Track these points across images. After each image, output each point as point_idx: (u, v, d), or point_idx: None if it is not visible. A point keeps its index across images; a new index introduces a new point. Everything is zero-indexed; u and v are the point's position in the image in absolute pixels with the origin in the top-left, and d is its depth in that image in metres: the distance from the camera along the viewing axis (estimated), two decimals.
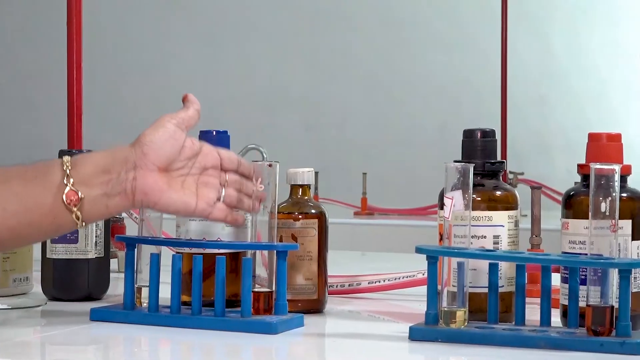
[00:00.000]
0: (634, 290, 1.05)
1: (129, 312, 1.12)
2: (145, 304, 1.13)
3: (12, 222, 1.03)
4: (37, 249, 1.34)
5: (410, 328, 1.03)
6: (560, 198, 1.11)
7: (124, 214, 1.48)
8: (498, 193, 1.14)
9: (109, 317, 1.12)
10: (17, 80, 4.68)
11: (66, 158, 1.05)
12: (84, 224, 1.04)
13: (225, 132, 1.26)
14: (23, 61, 4.70)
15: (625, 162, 1.07)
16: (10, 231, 1.04)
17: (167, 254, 1.15)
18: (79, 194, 1.03)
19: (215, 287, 1.09)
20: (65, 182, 1.03)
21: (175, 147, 1.08)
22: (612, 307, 0.98)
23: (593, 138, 1.10)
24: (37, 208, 1.03)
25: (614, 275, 0.98)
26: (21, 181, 1.04)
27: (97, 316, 1.13)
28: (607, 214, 0.98)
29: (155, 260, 1.13)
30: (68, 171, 1.04)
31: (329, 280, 1.25)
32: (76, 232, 1.27)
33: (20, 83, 4.68)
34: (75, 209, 1.03)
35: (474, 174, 1.05)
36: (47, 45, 4.36)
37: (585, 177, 1.06)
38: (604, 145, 1.09)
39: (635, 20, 3.96)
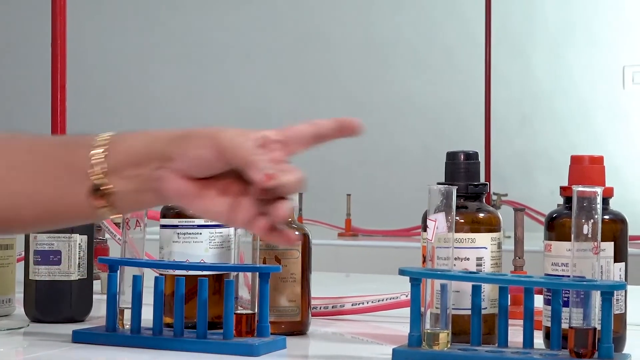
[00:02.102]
0: (616, 312, 1.05)
1: (111, 334, 1.12)
2: (127, 326, 1.13)
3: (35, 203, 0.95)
4: (19, 271, 1.34)
5: (394, 350, 1.03)
6: (543, 220, 1.12)
7: (107, 235, 1.48)
8: (481, 215, 1.14)
9: (91, 339, 1.12)
10: (0, 101, 4.67)
11: (102, 137, 0.95)
12: (115, 213, 0.95)
13: None
14: (6, 79, 4.69)
15: (608, 185, 1.07)
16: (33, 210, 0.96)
17: (149, 276, 1.15)
18: (109, 186, 0.94)
19: (198, 309, 1.09)
20: (94, 170, 0.93)
21: (211, 172, 0.94)
22: (595, 329, 0.98)
23: (575, 160, 1.10)
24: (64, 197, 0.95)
25: (596, 298, 0.98)
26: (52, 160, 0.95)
27: (79, 338, 1.12)
28: (590, 236, 0.98)
29: (138, 282, 1.12)
30: (101, 157, 0.93)
31: (313, 302, 1.25)
32: (59, 254, 1.26)
33: (3, 103, 4.68)
34: (103, 202, 0.94)
35: (457, 196, 1.05)
36: (30, 63, 4.36)
37: (568, 200, 1.07)
38: (586, 168, 1.09)
39: (616, 41, 3.99)
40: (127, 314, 1.13)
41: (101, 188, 0.94)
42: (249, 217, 0.93)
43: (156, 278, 1.12)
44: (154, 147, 0.94)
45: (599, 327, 0.98)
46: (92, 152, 0.94)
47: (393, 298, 1.32)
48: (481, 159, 1.19)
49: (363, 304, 1.33)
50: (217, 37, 4.53)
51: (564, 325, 1.01)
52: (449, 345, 1.02)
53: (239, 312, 1.10)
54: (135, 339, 1.10)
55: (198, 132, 0.94)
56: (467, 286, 1.07)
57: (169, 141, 0.94)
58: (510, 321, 1.05)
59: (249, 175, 0.91)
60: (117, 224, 1.47)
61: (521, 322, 1.03)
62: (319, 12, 4.41)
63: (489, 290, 1.12)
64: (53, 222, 1.01)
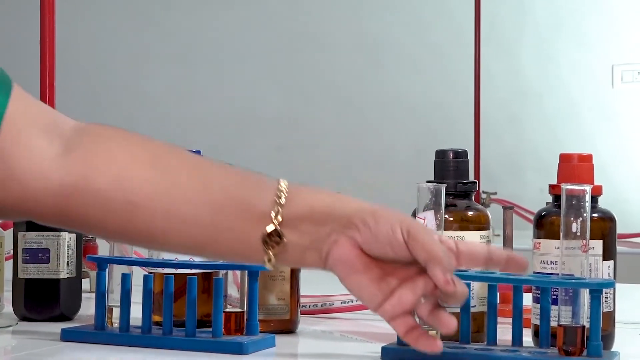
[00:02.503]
0: (605, 310, 1.05)
1: (99, 333, 1.12)
2: (116, 324, 1.13)
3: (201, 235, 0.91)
4: (8, 268, 1.33)
5: (383, 348, 1.03)
6: (532, 218, 1.12)
7: None
8: (470, 213, 1.14)
9: (80, 338, 1.12)
10: None
11: (284, 184, 0.92)
12: (273, 266, 0.92)
13: (198, 152, 1.25)
14: None
15: (597, 183, 1.08)
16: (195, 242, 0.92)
17: (138, 274, 1.15)
18: (283, 238, 0.90)
19: (187, 308, 1.09)
20: (273, 216, 0.90)
21: (387, 254, 0.90)
22: (584, 327, 0.98)
23: (564, 159, 1.10)
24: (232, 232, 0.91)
25: (585, 295, 0.98)
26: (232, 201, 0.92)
27: (68, 336, 1.12)
28: (578, 234, 0.98)
29: (127, 280, 1.12)
30: (280, 206, 0.90)
31: (302, 300, 1.25)
32: (48, 252, 1.26)
33: None
34: (271, 251, 0.91)
35: (446, 194, 1.05)
36: (19, 61, 4.35)
37: (557, 198, 1.07)
38: (575, 166, 1.09)
39: (605, 40, 3.99)
40: (116, 312, 1.13)
41: (277, 236, 0.90)
42: (400, 311, 0.90)
43: (145, 276, 1.11)
44: (339, 210, 0.91)
45: (587, 325, 0.98)
46: (274, 198, 0.91)
47: None
48: (470, 157, 1.19)
49: (352, 302, 1.33)
50: (210, 37, 4.52)
51: (553, 323, 1.01)
52: None
53: (228, 310, 1.10)
54: (124, 337, 1.10)
55: (388, 212, 0.91)
56: None
57: (358, 209, 0.91)
58: (499, 319, 1.05)
59: (433, 272, 0.88)
60: None
61: (510, 320, 1.04)
62: (311, 12, 4.41)
63: (478, 288, 1.12)
64: (215, 255, 0.99)
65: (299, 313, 1.22)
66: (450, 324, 0.90)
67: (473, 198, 1.16)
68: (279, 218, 0.90)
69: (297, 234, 0.90)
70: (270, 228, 0.90)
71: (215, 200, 0.91)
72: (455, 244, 0.93)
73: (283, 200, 0.91)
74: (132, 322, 1.11)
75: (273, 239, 0.90)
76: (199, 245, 0.92)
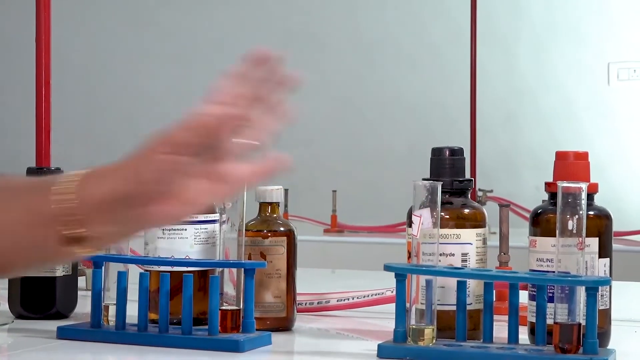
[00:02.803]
0: (601, 307, 1.06)
1: (96, 330, 1.12)
2: (112, 322, 1.13)
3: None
4: None
5: (379, 346, 1.03)
6: (528, 215, 1.12)
7: None
8: (466, 211, 1.14)
9: (76, 335, 1.12)
10: None
11: (69, 180, 0.88)
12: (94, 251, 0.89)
13: None
14: None
15: (592, 180, 1.08)
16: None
17: (134, 272, 1.15)
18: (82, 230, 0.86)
19: (183, 305, 1.09)
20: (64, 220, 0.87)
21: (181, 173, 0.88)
22: (580, 324, 0.98)
23: (560, 156, 1.10)
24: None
25: (581, 293, 0.98)
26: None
27: (64, 334, 1.12)
28: (574, 231, 0.98)
29: (123, 278, 1.12)
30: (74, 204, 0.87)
31: (298, 298, 1.25)
32: None
33: None
34: (79, 246, 0.87)
35: (442, 191, 1.05)
36: (15, 60, 4.35)
37: (553, 195, 1.07)
38: (571, 164, 1.10)
39: (601, 38, 4.00)
40: (112, 310, 1.13)
41: (74, 236, 0.86)
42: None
43: (141, 274, 1.11)
44: (125, 189, 0.87)
45: (583, 323, 0.98)
46: (59, 197, 0.86)
47: (378, 294, 1.32)
48: (467, 155, 1.19)
49: (348, 299, 1.33)
50: (208, 36, 4.52)
51: (549, 321, 1.01)
52: (434, 341, 1.03)
53: (224, 308, 1.10)
54: (120, 335, 1.10)
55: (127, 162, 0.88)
56: (452, 282, 1.07)
57: (135, 179, 0.87)
58: (495, 317, 1.05)
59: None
60: None
61: (506, 317, 1.04)
62: (310, 12, 4.40)
63: (474, 286, 1.12)
64: (17, 267, 0.94)
65: (295, 311, 1.22)
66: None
67: (469, 196, 1.16)
68: (74, 217, 0.86)
69: (100, 225, 0.86)
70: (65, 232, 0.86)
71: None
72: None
73: (73, 198, 0.86)
74: (128, 320, 1.11)
75: (75, 238, 0.86)
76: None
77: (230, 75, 0.90)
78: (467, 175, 1.17)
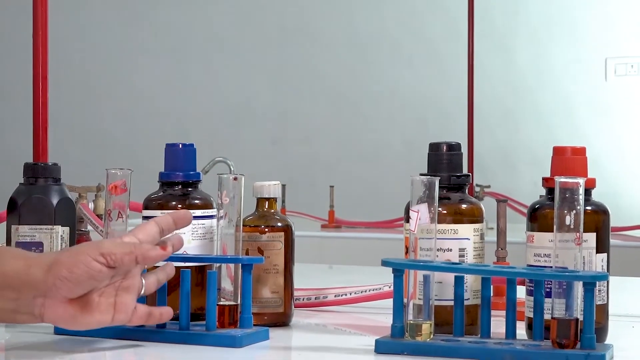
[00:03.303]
0: (598, 302, 1.06)
1: None
2: None
3: None
4: None
5: (377, 341, 1.03)
6: (525, 211, 1.12)
7: (89, 227, 1.47)
8: (464, 206, 1.14)
9: (73, 331, 1.11)
10: None
11: None
12: None
13: (192, 145, 1.25)
14: None
15: (590, 176, 1.08)
16: None
17: None
18: None
19: (180, 301, 1.09)
20: None
21: (94, 285, 1.00)
22: (577, 319, 0.98)
23: (558, 152, 1.10)
24: None
25: (578, 288, 0.98)
26: None
27: (61, 330, 1.12)
28: (572, 227, 0.98)
29: None
30: None
31: (296, 293, 1.25)
32: (41, 245, 1.26)
33: None
34: None
35: (439, 187, 1.05)
36: (12, 55, 4.34)
37: (550, 191, 1.07)
38: (568, 159, 1.09)
39: (598, 34, 4.00)
40: None
41: None
42: (131, 317, 1.03)
43: None
44: (30, 279, 0.98)
45: (581, 318, 0.98)
46: None
47: (376, 289, 1.32)
48: (464, 151, 1.19)
49: (346, 295, 1.33)
50: (202, 32, 4.52)
51: (547, 316, 1.01)
52: (431, 336, 1.03)
53: (221, 303, 1.10)
54: (118, 330, 1.10)
55: (71, 253, 0.99)
56: (450, 277, 1.07)
57: (44, 272, 0.98)
58: (492, 312, 1.05)
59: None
60: (99, 216, 1.46)
61: (504, 313, 1.04)
62: (305, 7, 4.40)
63: (471, 281, 1.12)
64: None
65: (293, 306, 1.22)
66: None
67: (467, 191, 1.16)
68: None
69: (2, 300, 0.99)
70: None
71: None
72: (133, 235, 1.04)
73: None
74: None
75: None
76: None
77: (155, 222, 1.05)
78: (465, 171, 1.17)
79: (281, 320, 1.20)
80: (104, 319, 1.01)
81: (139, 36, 4.60)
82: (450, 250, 1.12)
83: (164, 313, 1.06)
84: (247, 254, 1.17)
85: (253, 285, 1.12)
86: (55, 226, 1.27)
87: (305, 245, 1.51)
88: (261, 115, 4.43)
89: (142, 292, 1.05)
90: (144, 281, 1.05)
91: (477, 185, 3.00)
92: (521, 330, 1.06)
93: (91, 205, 1.52)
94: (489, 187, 3.05)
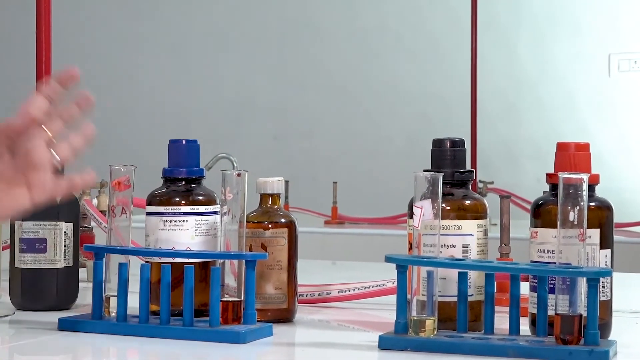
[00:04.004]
0: (602, 298, 1.06)
1: (97, 322, 1.12)
2: (113, 314, 1.13)
3: None
4: (5, 258, 1.33)
5: (380, 337, 1.03)
6: (529, 207, 1.12)
7: (92, 223, 1.47)
8: (467, 202, 1.14)
9: (77, 327, 1.12)
10: None
11: None
12: None
13: (195, 141, 1.25)
14: None
15: (593, 172, 1.08)
16: None
17: (135, 263, 1.15)
18: None
19: (184, 297, 1.09)
20: None
21: None
22: (581, 315, 0.98)
23: (561, 147, 1.10)
24: None
25: (582, 284, 0.98)
26: None
27: (65, 326, 1.12)
28: (576, 223, 0.98)
29: (124, 269, 1.12)
30: None
31: (299, 289, 1.25)
32: (45, 242, 1.26)
33: None
34: None
35: (443, 183, 1.05)
36: (15, 52, 4.34)
37: (554, 187, 1.07)
38: (572, 155, 1.09)
39: (602, 29, 3.99)
40: (113, 302, 1.13)
41: None
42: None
43: (142, 265, 1.11)
44: None
45: (585, 314, 0.98)
46: None
47: (379, 285, 1.32)
48: (467, 147, 1.19)
49: (349, 291, 1.33)
50: (204, 27, 4.51)
51: (550, 312, 1.01)
52: (435, 332, 1.03)
53: (225, 299, 1.10)
54: (121, 326, 1.10)
55: None
56: (454, 273, 1.07)
57: None
58: (496, 308, 1.05)
59: None
60: (102, 212, 1.46)
61: (507, 309, 1.04)
62: (305, 1, 4.40)
63: (475, 277, 1.12)
64: None
65: (296, 302, 1.22)
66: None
67: (470, 187, 1.16)
68: None
69: None
70: None
71: None
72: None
73: None
74: (129, 312, 1.11)
75: None
76: None
77: (40, 93, 1.00)
78: (468, 167, 1.17)
79: (285, 317, 1.20)
80: (21, 202, 0.98)
81: (140, 32, 4.59)
82: (454, 246, 1.12)
83: (85, 176, 1.02)
84: (250, 250, 1.17)
85: (257, 282, 1.12)
86: (59, 222, 1.27)
87: (309, 242, 1.51)
88: (263, 111, 4.43)
89: (57, 163, 1.00)
90: (53, 152, 1.00)
91: (480, 181, 3.00)
92: (525, 326, 1.06)
93: (95, 202, 1.52)
94: (492, 183, 3.05)
